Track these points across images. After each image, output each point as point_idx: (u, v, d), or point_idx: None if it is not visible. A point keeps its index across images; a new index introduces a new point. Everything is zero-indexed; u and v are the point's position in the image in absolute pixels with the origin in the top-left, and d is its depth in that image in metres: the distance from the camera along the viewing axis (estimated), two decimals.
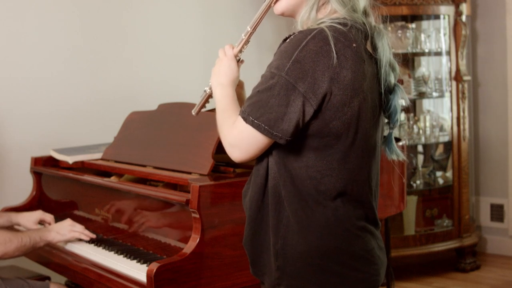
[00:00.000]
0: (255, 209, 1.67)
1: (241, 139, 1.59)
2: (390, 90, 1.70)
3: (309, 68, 1.54)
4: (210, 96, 1.89)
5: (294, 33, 1.63)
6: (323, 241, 1.60)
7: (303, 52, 1.54)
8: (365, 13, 1.68)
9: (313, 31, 1.57)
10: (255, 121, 1.56)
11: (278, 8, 1.71)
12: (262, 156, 1.64)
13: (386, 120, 1.75)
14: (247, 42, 1.78)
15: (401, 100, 1.73)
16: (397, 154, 1.77)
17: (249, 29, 1.76)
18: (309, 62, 1.54)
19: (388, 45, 1.69)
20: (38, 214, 2.81)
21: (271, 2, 1.71)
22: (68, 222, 2.65)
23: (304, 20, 1.66)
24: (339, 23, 1.61)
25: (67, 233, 2.61)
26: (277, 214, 1.63)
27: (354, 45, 1.59)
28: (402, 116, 4.30)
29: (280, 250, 1.62)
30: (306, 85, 1.53)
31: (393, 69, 1.70)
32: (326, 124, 1.57)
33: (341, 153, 1.60)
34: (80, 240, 2.67)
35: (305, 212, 1.60)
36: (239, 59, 1.79)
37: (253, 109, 1.57)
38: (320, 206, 1.60)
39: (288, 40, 1.64)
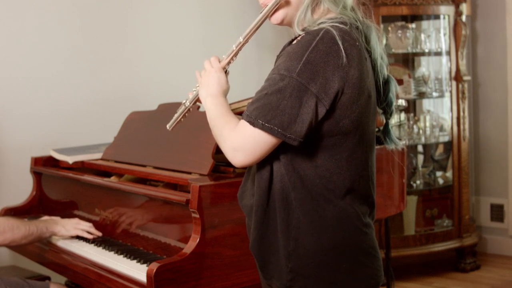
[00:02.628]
0: (261, 214, 1.66)
1: (246, 143, 1.57)
2: (385, 82, 1.74)
3: (320, 69, 1.54)
4: (188, 110, 1.87)
5: (300, 35, 1.63)
6: (335, 240, 1.61)
7: (313, 53, 1.54)
8: (352, 9, 1.70)
9: (320, 32, 1.57)
10: (266, 124, 1.54)
11: (278, 17, 1.69)
12: (265, 159, 1.62)
13: (381, 111, 1.78)
14: (236, 54, 1.76)
15: (395, 90, 1.76)
16: (396, 143, 1.80)
17: (241, 39, 1.73)
18: (320, 63, 1.54)
19: (378, 38, 1.71)
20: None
21: (267, 15, 1.68)
22: (75, 220, 2.72)
23: (301, 20, 1.66)
24: (340, 23, 1.61)
25: (72, 230, 2.67)
26: (286, 217, 1.62)
27: (357, 43, 1.60)
28: (402, 116, 4.30)
29: (293, 252, 1.62)
30: (318, 85, 1.53)
31: (383, 60, 1.73)
32: (336, 123, 1.58)
33: (348, 151, 1.61)
34: (81, 239, 2.67)
35: (317, 212, 1.61)
36: (226, 71, 1.77)
37: (262, 112, 1.54)
38: (331, 205, 1.61)
39: (295, 42, 1.63)
